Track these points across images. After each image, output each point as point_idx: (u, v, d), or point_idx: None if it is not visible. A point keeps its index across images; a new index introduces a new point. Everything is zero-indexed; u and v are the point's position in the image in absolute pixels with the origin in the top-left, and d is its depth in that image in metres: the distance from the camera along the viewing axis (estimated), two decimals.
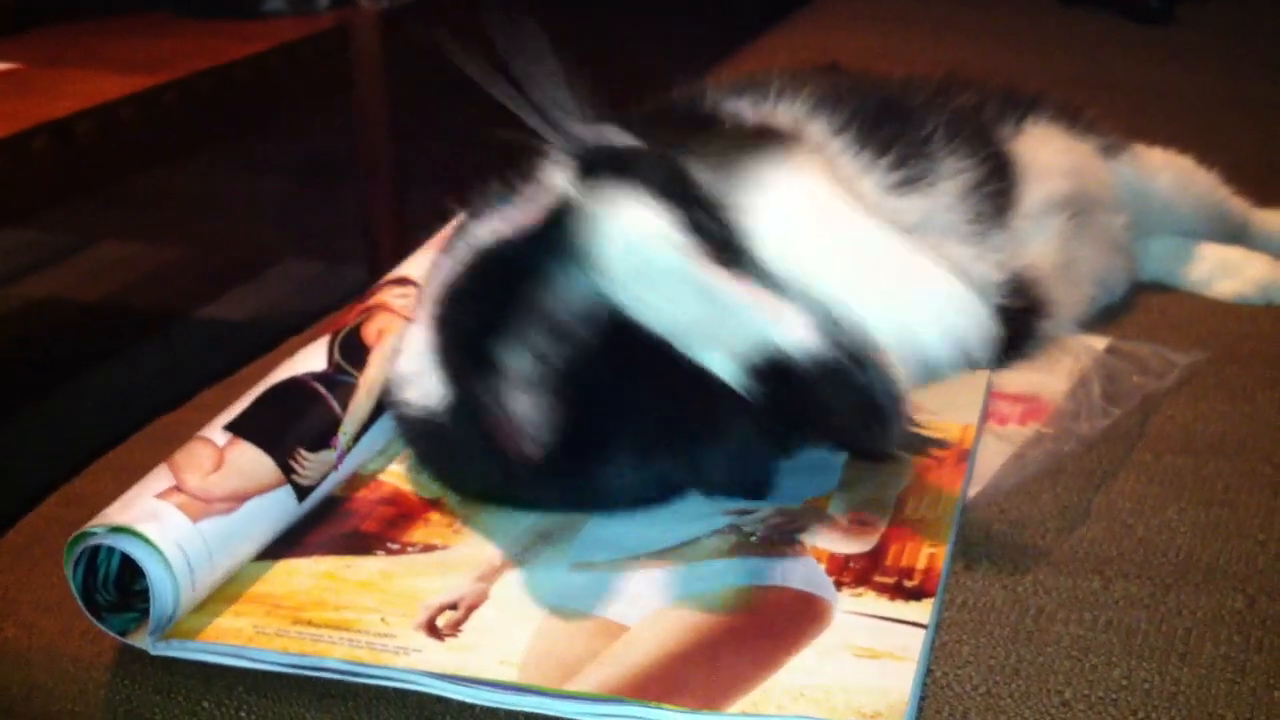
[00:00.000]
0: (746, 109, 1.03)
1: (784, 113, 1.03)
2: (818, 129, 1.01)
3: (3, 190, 1.82)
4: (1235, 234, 1.31)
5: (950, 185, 1.05)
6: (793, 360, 0.79)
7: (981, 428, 0.99)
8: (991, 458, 0.96)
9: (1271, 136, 1.75)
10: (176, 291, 2.83)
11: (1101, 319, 1.18)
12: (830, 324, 0.80)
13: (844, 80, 1.14)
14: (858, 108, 1.03)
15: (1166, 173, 1.28)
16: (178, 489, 0.82)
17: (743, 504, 0.88)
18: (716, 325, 0.79)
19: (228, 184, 3.29)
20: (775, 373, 0.79)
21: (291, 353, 0.98)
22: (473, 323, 0.85)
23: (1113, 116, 1.27)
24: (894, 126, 1.04)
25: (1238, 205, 1.33)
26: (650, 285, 0.78)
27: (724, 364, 0.80)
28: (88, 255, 2.98)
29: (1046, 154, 1.16)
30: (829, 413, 0.81)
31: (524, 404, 0.77)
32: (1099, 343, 1.11)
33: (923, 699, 0.74)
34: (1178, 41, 2.27)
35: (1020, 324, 1.07)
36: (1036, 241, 1.11)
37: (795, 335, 0.79)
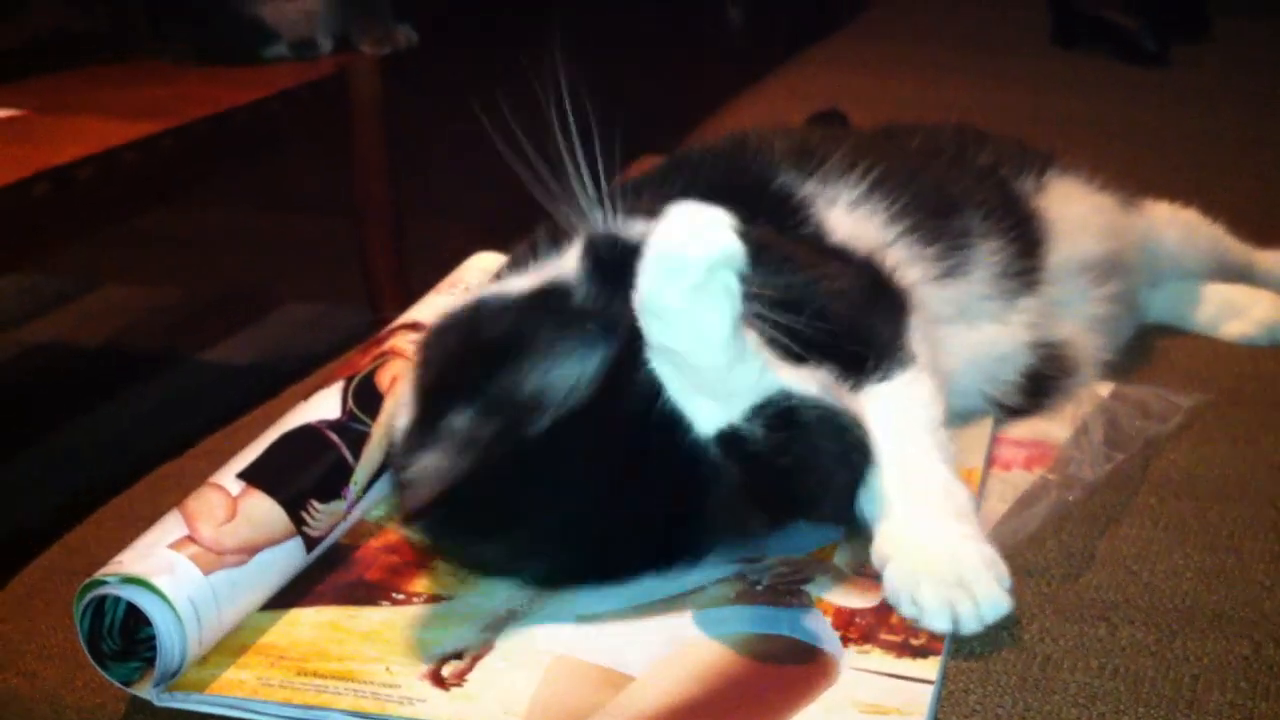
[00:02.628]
0: (818, 197, 1.03)
1: (850, 206, 1.04)
2: (884, 229, 1.03)
3: (4, 235, 1.83)
4: (1240, 276, 1.32)
5: (984, 272, 1.06)
6: (796, 408, 0.79)
7: (986, 473, 0.99)
8: (996, 503, 0.96)
9: (1269, 176, 1.76)
10: (177, 335, 2.84)
11: (1105, 363, 1.18)
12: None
13: (882, 144, 1.15)
14: (910, 198, 1.05)
15: (1173, 228, 1.29)
16: (190, 539, 0.82)
17: (749, 552, 0.88)
18: (728, 369, 0.78)
19: (228, 227, 3.30)
20: (777, 417, 0.80)
21: (295, 399, 0.97)
22: (443, 372, 0.85)
23: (1111, 158, 1.28)
24: (939, 215, 1.06)
25: (1241, 251, 1.34)
26: (687, 302, 0.75)
27: (712, 414, 0.79)
28: (88, 299, 2.99)
29: (1076, 212, 1.17)
30: (818, 462, 0.81)
31: (433, 463, 0.79)
32: (1103, 388, 1.11)
33: None
34: (1174, 83, 2.28)
35: (1047, 383, 1.08)
36: (1066, 302, 1.12)
37: (805, 387, 0.81)
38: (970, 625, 0.80)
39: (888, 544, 0.84)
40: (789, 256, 0.90)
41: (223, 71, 2.36)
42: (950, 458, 0.88)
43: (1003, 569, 0.82)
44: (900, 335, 0.93)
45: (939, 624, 0.80)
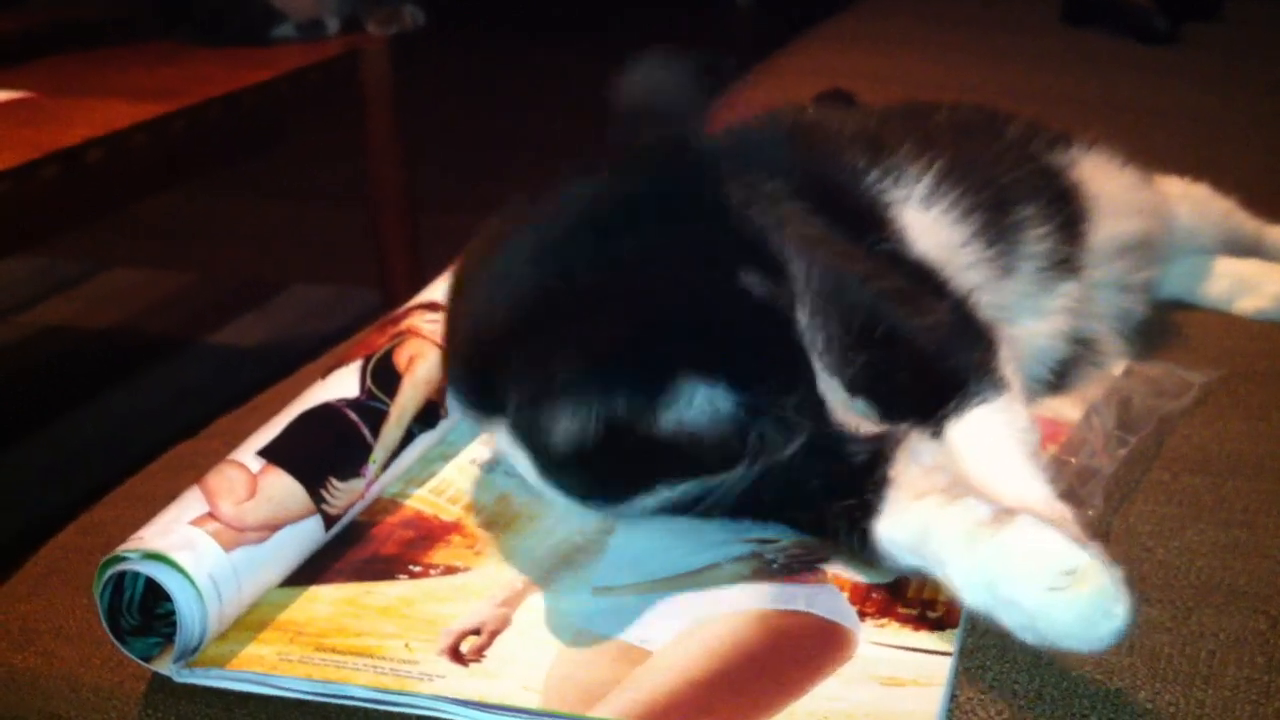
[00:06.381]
0: (894, 198, 1.03)
1: (923, 204, 1.03)
2: (954, 230, 1.03)
3: (14, 217, 1.83)
4: (1251, 251, 1.31)
5: (1031, 264, 1.06)
6: None
7: None
8: None
9: (1277, 153, 1.76)
10: (187, 317, 2.84)
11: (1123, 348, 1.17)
12: None
13: (940, 134, 1.13)
14: (973, 191, 1.04)
15: (1185, 203, 1.29)
16: (211, 516, 0.82)
17: (765, 533, 0.88)
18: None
19: (237, 210, 3.31)
20: None
21: (312, 378, 0.98)
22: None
23: (1121, 136, 1.27)
24: (996, 209, 1.05)
25: (1252, 226, 1.33)
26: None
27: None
28: (98, 281, 2.99)
29: (1112, 188, 1.16)
30: None
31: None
32: (1116, 366, 1.11)
33: None
34: (1182, 61, 2.28)
35: (1071, 373, 1.08)
36: (1102, 287, 1.12)
37: None
38: None
39: None
40: (885, 292, 0.90)
41: (229, 53, 2.36)
42: (1048, 484, 0.86)
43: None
44: (994, 360, 0.93)
45: None
